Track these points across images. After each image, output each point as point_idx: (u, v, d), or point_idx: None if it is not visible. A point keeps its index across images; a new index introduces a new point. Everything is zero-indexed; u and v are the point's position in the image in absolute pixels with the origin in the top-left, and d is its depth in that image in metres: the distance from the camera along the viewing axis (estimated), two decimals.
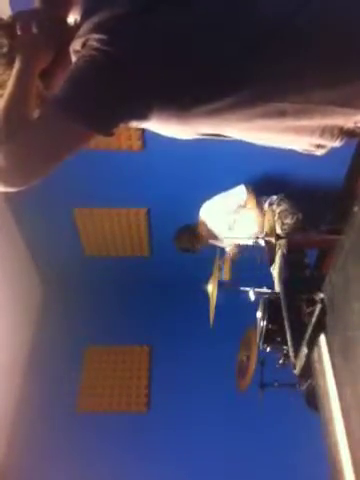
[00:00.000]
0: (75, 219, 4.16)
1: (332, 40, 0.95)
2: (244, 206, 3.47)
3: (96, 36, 0.94)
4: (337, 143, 1.11)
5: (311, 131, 1.08)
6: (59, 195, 3.87)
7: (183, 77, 0.98)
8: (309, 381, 2.54)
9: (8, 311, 4.10)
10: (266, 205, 3.40)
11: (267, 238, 2.81)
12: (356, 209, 1.31)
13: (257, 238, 2.92)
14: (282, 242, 2.73)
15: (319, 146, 1.13)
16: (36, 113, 1.00)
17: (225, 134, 1.14)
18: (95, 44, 0.94)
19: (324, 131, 1.07)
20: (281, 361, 2.68)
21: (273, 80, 0.98)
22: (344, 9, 0.96)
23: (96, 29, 0.96)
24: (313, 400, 2.26)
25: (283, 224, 3.20)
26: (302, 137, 1.10)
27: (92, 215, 4.17)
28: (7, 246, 4.13)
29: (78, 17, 1.07)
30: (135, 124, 1.03)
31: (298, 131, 1.08)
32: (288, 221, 3.21)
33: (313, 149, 1.15)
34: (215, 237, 3.62)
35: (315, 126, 1.07)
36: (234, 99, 0.99)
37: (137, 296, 4.51)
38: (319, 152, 1.16)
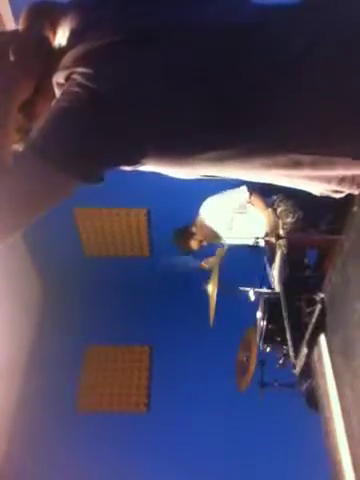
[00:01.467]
0: (75, 219, 4.17)
1: (344, 87, 0.85)
2: (246, 206, 3.47)
3: (80, 70, 0.82)
4: (357, 192, 1.01)
5: (328, 180, 0.99)
6: None
7: (184, 121, 0.86)
8: (309, 381, 2.54)
9: (8, 311, 4.10)
10: (266, 204, 3.41)
11: (267, 238, 2.81)
12: (356, 209, 1.31)
13: (257, 238, 2.92)
14: (282, 242, 2.73)
15: (337, 192, 1.05)
16: (16, 149, 0.91)
17: (231, 177, 1.05)
18: (79, 79, 0.82)
19: (343, 180, 0.98)
20: (281, 361, 2.68)
21: (283, 127, 0.88)
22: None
23: (81, 60, 0.84)
24: (313, 400, 2.25)
25: (284, 224, 3.19)
26: (318, 184, 1.02)
27: (92, 215, 4.17)
28: (7, 246, 4.12)
29: (64, 40, 0.92)
30: (128, 168, 0.93)
31: (313, 179, 0.99)
32: (288, 220, 3.21)
33: (330, 193, 1.07)
34: (213, 236, 3.62)
35: (333, 175, 0.98)
36: (243, 148, 0.89)
37: (137, 296, 4.51)
38: (337, 196, 1.07)
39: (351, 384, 1.34)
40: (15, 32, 0.97)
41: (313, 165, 0.93)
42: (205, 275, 3.30)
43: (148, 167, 0.95)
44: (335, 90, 0.85)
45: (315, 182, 1.02)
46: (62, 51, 0.90)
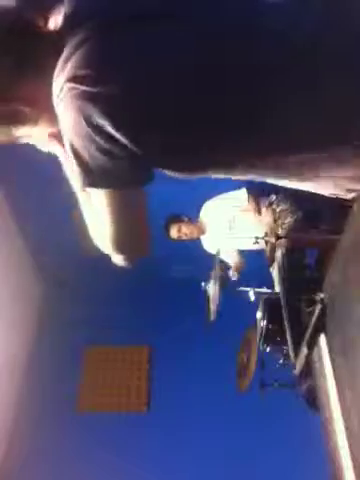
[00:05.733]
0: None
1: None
2: (244, 210, 3.48)
3: (80, 72, 0.78)
4: None
5: (337, 179, 1.00)
6: (59, 195, 3.87)
7: (193, 129, 0.86)
8: (309, 381, 2.54)
9: (8, 311, 4.10)
10: (266, 205, 3.41)
11: (267, 238, 2.81)
12: (356, 209, 1.31)
13: (257, 238, 2.92)
14: (282, 242, 2.73)
15: (349, 190, 1.05)
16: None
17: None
18: (80, 87, 0.77)
19: (354, 178, 0.98)
20: (281, 361, 2.67)
21: (294, 131, 0.87)
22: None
23: (76, 67, 0.79)
24: (313, 400, 2.25)
25: (283, 223, 3.20)
26: (327, 183, 1.02)
27: None
28: (7, 246, 4.13)
29: (57, 24, 0.88)
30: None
31: (322, 178, 1.00)
32: (288, 220, 3.21)
33: (342, 193, 1.06)
34: (198, 236, 3.66)
35: (342, 176, 0.98)
36: (244, 162, 0.92)
37: (137, 296, 4.51)
38: (348, 196, 1.07)
39: (351, 384, 1.34)
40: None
41: (328, 162, 0.92)
42: (205, 275, 3.30)
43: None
44: (345, 87, 0.85)
45: (324, 182, 1.01)
46: (58, 35, 0.86)
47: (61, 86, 0.79)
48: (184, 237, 3.60)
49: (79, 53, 0.80)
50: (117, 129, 0.79)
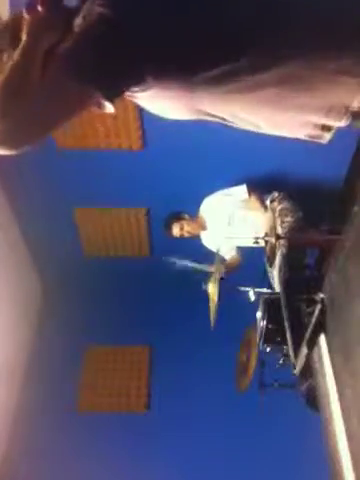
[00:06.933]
0: (75, 219, 4.16)
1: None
2: (244, 206, 3.47)
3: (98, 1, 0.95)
4: (343, 123, 1.06)
5: (316, 108, 1.04)
6: (59, 195, 3.88)
7: (183, 40, 0.97)
8: (309, 381, 2.54)
9: (8, 311, 4.10)
10: (267, 202, 3.41)
11: (267, 238, 2.81)
12: (356, 209, 1.31)
13: (257, 238, 2.92)
14: (282, 242, 2.72)
15: (324, 128, 1.09)
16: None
17: (226, 116, 1.11)
18: (96, 8, 0.95)
19: (330, 109, 1.03)
20: (281, 361, 2.68)
21: (278, 43, 0.96)
22: None
23: None
24: (313, 400, 2.25)
25: (283, 222, 3.19)
26: (306, 115, 1.06)
27: (92, 215, 4.17)
28: (7, 246, 4.13)
29: None
30: (137, 91, 1.02)
31: (302, 107, 1.04)
32: (288, 219, 3.21)
33: (318, 133, 1.10)
34: (199, 232, 3.65)
35: (320, 103, 1.03)
36: (236, 65, 0.97)
37: (137, 296, 4.51)
38: (325, 137, 1.11)
39: (351, 384, 1.34)
40: None
41: (305, 84, 0.98)
42: (205, 275, 3.30)
43: (153, 94, 1.01)
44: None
45: (304, 115, 1.05)
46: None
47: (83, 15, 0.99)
48: (186, 235, 3.60)
49: None
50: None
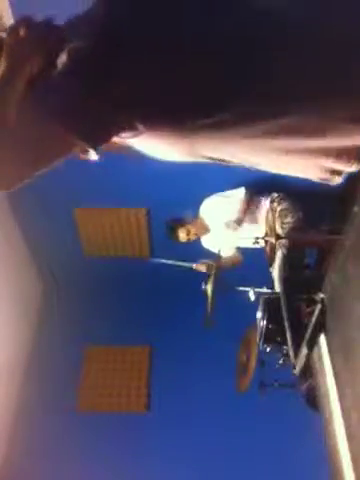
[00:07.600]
0: (75, 219, 4.16)
1: (335, 42, 0.87)
2: (241, 210, 3.48)
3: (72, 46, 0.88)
4: (354, 167, 1.01)
5: (327, 153, 0.98)
6: (59, 195, 3.88)
7: (176, 83, 0.88)
8: (309, 381, 2.54)
9: (8, 311, 4.10)
10: (267, 203, 3.41)
11: (267, 238, 2.81)
12: (356, 209, 1.31)
13: (257, 238, 2.92)
14: (282, 242, 2.73)
15: (334, 172, 1.04)
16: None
17: (226, 158, 1.04)
18: (81, 47, 0.88)
19: (341, 153, 0.97)
20: (281, 361, 2.68)
21: (281, 87, 0.89)
22: (344, 7, 0.89)
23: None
24: (313, 400, 2.25)
25: (283, 223, 3.20)
26: (316, 160, 1.01)
27: (92, 215, 4.17)
28: (7, 246, 4.13)
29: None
30: (128, 136, 0.95)
31: (312, 152, 0.98)
32: (288, 220, 3.21)
33: (328, 176, 1.06)
34: (205, 233, 3.65)
35: (332, 147, 0.97)
36: (237, 111, 0.89)
37: (137, 296, 4.51)
38: (335, 180, 1.07)
39: (351, 384, 1.34)
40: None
41: (315, 132, 0.92)
42: (205, 275, 3.30)
43: (145, 139, 0.95)
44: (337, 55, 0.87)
45: (313, 159, 1.00)
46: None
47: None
48: (193, 237, 3.60)
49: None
50: None
